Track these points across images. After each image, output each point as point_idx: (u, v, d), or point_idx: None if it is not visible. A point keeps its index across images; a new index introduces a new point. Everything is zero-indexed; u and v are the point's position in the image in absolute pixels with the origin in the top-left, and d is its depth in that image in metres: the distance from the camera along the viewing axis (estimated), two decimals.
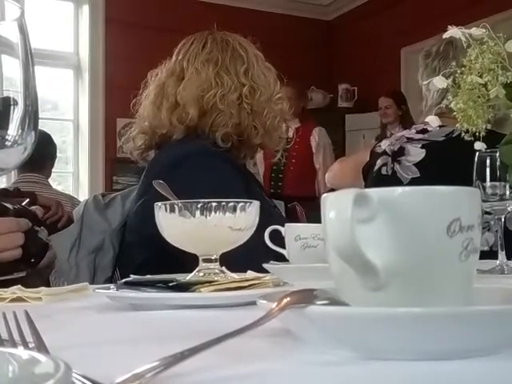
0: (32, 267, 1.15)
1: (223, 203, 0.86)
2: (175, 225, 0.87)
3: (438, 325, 0.42)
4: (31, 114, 0.54)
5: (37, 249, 1.15)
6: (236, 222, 0.87)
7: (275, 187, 5.35)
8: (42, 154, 3.01)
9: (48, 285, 1.34)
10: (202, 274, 0.87)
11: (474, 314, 0.42)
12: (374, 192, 0.47)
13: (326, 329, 0.44)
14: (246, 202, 0.88)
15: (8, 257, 1.07)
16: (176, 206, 0.87)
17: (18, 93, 0.53)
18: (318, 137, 5.45)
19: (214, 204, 0.86)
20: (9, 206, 1.18)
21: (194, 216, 0.86)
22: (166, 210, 0.87)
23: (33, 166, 2.92)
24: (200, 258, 0.88)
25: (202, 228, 0.86)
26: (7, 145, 0.52)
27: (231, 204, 0.86)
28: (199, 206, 0.86)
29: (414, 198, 0.48)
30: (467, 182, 1.13)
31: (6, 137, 0.52)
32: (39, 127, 0.55)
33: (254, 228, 0.91)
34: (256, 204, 0.90)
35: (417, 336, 0.42)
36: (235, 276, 0.86)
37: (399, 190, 0.48)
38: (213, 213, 0.86)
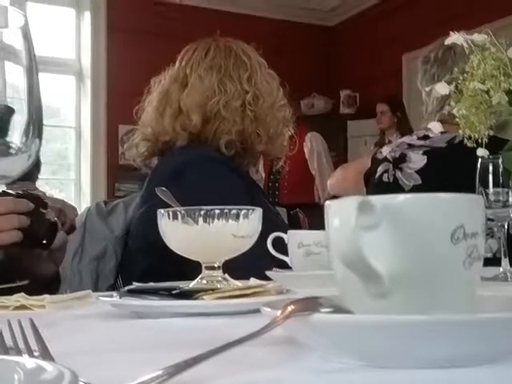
0: (45, 248, 1.12)
1: (226, 210, 0.86)
2: (178, 232, 0.87)
3: (442, 332, 0.42)
4: (35, 122, 0.53)
5: (45, 229, 1.12)
6: (239, 229, 0.87)
7: (273, 196, 5.34)
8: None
9: (50, 290, 1.33)
10: (204, 281, 0.87)
11: (479, 322, 0.42)
12: (378, 199, 0.47)
13: (330, 337, 0.44)
14: (248, 209, 0.88)
15: (5, 238, 1.02)
16: (179, 213, 0.86)
17: (22, 100, 0.53)
18: (310, 143, 5.44)
19: (216, 211, 0.86)
20: (12, 192, 1.15)
21: (197, 223, 0.86)
22: (169, 217, 0.87)
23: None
24: (203, 266, 0.88)
25: (205, 235, 0.86)
26: (11, 152, 0.52)
27: (234, 211, 0.86)
28: (202, 213, 0.86)
29: (418, 205, 0.48)
30: (470, 188, 1.13)
31: (10, 144, 0.52)
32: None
33: (257, 235, 0.91)
34: (259, 211, 0.90)
35: (421, 343, 0.42)
36: (238, 283, 0.86)
37: (403, 197, 0.48)
38: (216, 220, 0.86)
